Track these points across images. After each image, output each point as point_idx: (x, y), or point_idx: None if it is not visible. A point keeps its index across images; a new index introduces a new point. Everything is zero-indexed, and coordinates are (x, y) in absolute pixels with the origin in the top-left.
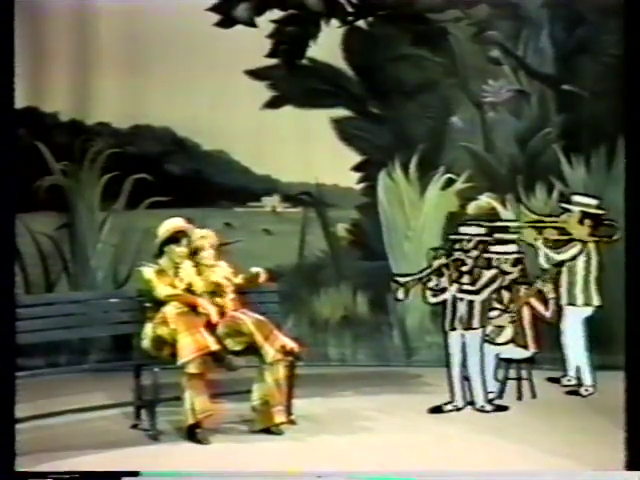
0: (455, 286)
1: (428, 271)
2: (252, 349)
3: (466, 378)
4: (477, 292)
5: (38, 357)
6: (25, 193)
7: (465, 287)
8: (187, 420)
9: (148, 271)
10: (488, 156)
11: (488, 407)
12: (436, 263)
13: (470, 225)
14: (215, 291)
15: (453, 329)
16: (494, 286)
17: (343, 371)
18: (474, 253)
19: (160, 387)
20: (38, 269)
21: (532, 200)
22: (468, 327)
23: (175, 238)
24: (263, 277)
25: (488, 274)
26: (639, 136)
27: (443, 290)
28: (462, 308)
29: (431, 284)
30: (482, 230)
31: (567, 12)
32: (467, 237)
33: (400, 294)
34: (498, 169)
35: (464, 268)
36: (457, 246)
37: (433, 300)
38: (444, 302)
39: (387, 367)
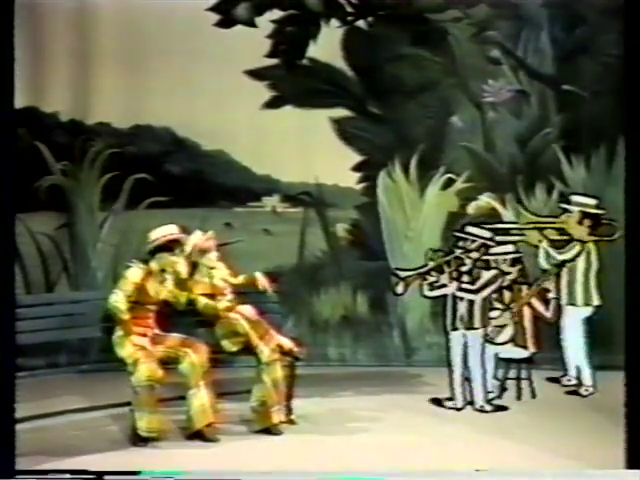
0: (455, 284)
1: (429, 267)
2: (249, 349)
3: (466, 379)
4: (477, 291)
5: (38, 357)
6: (25, 193)
7: (465, 286)
8: (198, 420)
9: (134, 272)
10: (488, 156)
11: (488, 407)
12: (436, 261)
13: (477, 226)
14: (214, 293)
15: (455, 329)
16: (494, 286)
17: (343, 371)
18: (475, 255)
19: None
20: (38, 269)
21: (532, 200)
22: (469, 327)
23: (169, 247)
24: (261, 283)
25: (488, 274)
26: (639, 136)
27: (442, 287)
28: (463, 308)
29: (431, 279)
30: (487, 234)
31: (567, 12)
32: (472, 237)
33: (399, 288)
34: (498, 169)
35: (463, 268)
36: (460, 244)
37: (430, 294)
38: (445, 302)
39: (387, 367)
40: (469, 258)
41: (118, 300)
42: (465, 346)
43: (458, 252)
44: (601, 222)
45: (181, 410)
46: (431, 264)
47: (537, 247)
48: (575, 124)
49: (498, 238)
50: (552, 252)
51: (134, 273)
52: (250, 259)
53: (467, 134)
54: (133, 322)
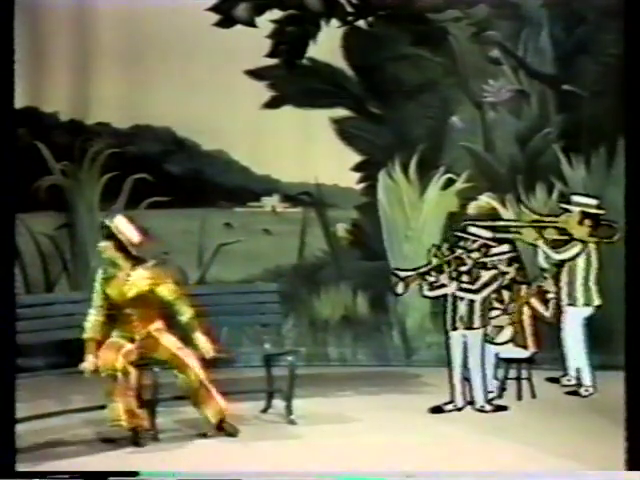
0: (454, 284)
1: (429, 267)
2: None
3: (466, 379)
4: (476, 291)
5: (38, 357)
6: (25, 193)
7: (465, 286)
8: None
9: (97, 282)
10: (488, 156)
11: (488, 407)
12: (437, 260)
13: (478, 227)
14: None
15: (454, 329)
16: (494, 286)
17: (343, 371)
18: (475, 255)
19: (160, 387)
20: (38, 269)
21: (532, 200)
22: (469, 327)
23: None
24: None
25: (488, 274)
26: (639, 136)
27: (442, 287)
28: (463, 308)
29: (430, 279)
30: (489, 234)
31: (567, 12)
32: (473, 237)
33: (400, 288)
34: (498, 169)
35: (463, 268)
36: (461, 244)
37: (429, 293)
38: (445, 302)
39: (387, 367)
40: (470, 258)
41: (89, 318)
42: (465, 346)
43: (459, 252)
44: (601, 222)
45: (181, 410)
46: (434, 261)
47: (535, 246)
48: (575, 124)
49: (496, 235)
50: (549, 252)
51: (97, 283)
52: (250, 259)
53: (467, 134)
54: (122, 327)
